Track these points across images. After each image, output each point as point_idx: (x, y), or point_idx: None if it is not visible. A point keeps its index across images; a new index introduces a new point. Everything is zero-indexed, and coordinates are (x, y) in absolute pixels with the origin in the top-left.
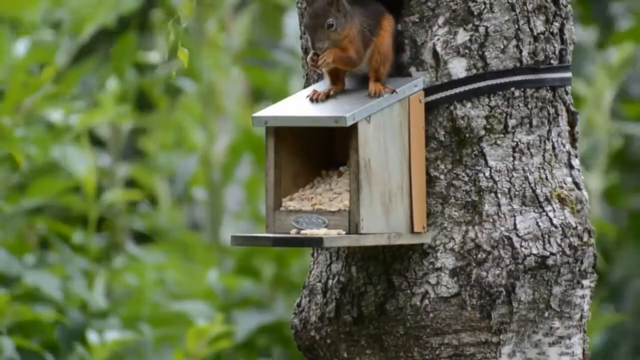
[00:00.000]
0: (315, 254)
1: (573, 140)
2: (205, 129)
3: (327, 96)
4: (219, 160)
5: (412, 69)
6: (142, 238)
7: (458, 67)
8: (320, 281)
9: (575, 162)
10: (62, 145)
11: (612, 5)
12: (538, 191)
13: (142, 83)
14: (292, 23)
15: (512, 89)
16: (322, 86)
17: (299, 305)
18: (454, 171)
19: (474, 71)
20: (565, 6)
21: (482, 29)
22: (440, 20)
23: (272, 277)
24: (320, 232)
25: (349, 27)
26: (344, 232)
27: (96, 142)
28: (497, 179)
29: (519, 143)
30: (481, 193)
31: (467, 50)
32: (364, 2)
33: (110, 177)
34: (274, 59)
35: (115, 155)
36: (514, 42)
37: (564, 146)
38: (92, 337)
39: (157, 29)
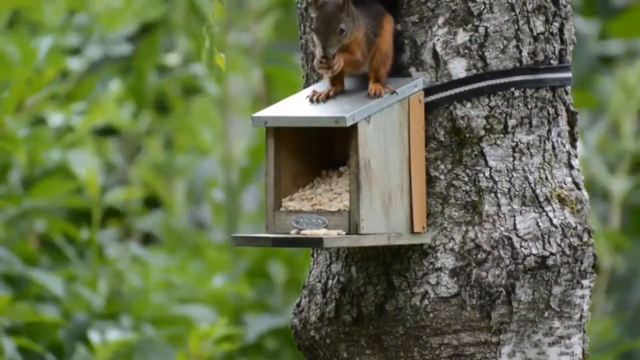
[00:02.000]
0: (315, 254)
1: (573, 140)
2: (221, 130)
3: (327, 97)
4: (237, 162)
5: (412, 69)
6: (151, 239)
7: (458, 67)
8: (320, 281)
9: (575, 162)
10: (65, 147)
11: None
12: (538, 191)
13: (161, 85)
14: None
15: (512, 89)
16: (321, 86)
17: (298, 305)
18: (454, 171)
19: (474, 71)
20: (565, 6)
21: (481, 29)
22: (440, 20)
23: (284, 281)
24: (320, 232)
25: (357, 31)
26: (343, 233)
27: (110, 133)
28: (497, 179)
29: (519, 143)
30: (481, 193)
31: (467, 51)
32: (365, 3)
33: (121, 176)
34: (292, 61)
35: (128, 155)
36: (513, 42)
37: (564, 146)
38: (94, 337)
39: (177, 30)
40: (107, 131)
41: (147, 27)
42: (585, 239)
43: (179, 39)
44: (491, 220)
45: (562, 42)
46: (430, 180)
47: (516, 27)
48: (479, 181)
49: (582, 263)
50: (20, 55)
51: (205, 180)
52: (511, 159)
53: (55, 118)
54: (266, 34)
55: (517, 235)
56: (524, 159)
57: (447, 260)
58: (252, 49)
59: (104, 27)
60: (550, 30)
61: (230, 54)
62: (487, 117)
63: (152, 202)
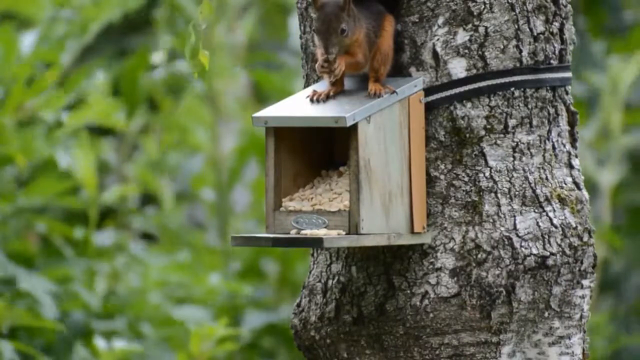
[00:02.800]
0: (315, 254)
1: (573, 140)
2: (211, 129)
3: (327, 96)
4: (226, 161)
5: (412, 69)
6: (148, 238)
7: (458, 67)
8: (320, 281)
9: (576, 162)
10: (61, 144)
11: (625, 15)
12: (538, 191)
13: (150, 84)
14: (295, 24)
15: (512, 89)
16: (321, 86)
17: (298, 305)
18: (454, 171)
19: (474, 71)
20: (565, 6)
21: (481, 29)
22: (440, 20)
23: (277, 279)
24: (320, 232)
25: (358, 31)
26: (344, 233)
27: (104, 132)
28: (497, 179)
29: (519, 143)
30: (481, 193)
31: (466, 51)
32: (365, 4)
33: (115, 174)
34: (278, 60)
35: (122, 153)
36: (513, 42)
37: (564, 146)
38: (100, 343)
39: (159, 28)
40: (103, 131)
41: (133, 23)
42: (585, 239)
43: (162, 37)
44: (491, 220)
45: (563, 41)
46: (430, 180)
47: (516, 27)
48: (479, 181)
49: (582, 263)
50: (4, 52)
51: (192, 178)
52: (511, 159)
53: (46, 114)
54: (249, 31)
55: (517, 235)
56: (524, 159)
57: (447, 260)
58: (237, 49)
59: (87, 19)
60: (551, 30)
61: (219, 54)
62: (487, 117)
63: (146, 201)
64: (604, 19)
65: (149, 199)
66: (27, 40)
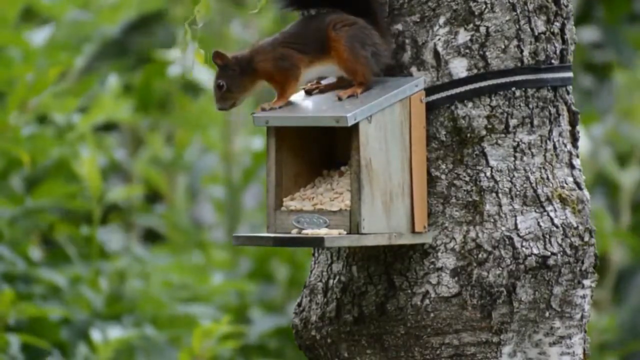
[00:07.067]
0: (316, 254)
1: (574, 140)
2: (222, 127)
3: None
4: (238, 159)
5: (413, 69)
6: (154, 236)
7: (459, 67)
8: (321, 281)
9: (577, 162)
10: (67, 146)
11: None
12: (539, 191)
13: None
14: None
15: (513, 88)
16: (327, 80)
17: (299, 304)
18: (455, 171)
19: (475, 71)
20: (566, 6)
21: (483, 29)
22: (441, 20)
23: (286, 280)
24: (321, 231)
25: (249, 76)
26: (345, 232)
27: (110, 128)
28: (498, 178)
29: (520, 143)
30: (482, 193)
31: (468, 50)
32: (305, 21)
33: (122, 172)
34: None
35: (128, 151)
36: (515, 42)
37: (565, 146)
38: (95, 335)
39: (176, 24)
40: (107, 126)
41: (147, 19)
42: (586, 238)
43: (177, 33)
44: (492, 220)
45: (564, 41)
46: (431, 180)
47: (517, 26)
48: (480, 181)
49: (583, 263)
50: (21, 53)
51: (204, 175)
52: (512, 158)
53: (57, 117)
54: (267, 28)
55: (518, 235)
56: (525, 158)
57: (448, 260)
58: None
59: (104, 21)
60: (552, 30)
61: (233, 49)
62: (488, 117)
63: (153, 198)
64: (625, 9)
65: (154, 196)
66: (38, 39)
